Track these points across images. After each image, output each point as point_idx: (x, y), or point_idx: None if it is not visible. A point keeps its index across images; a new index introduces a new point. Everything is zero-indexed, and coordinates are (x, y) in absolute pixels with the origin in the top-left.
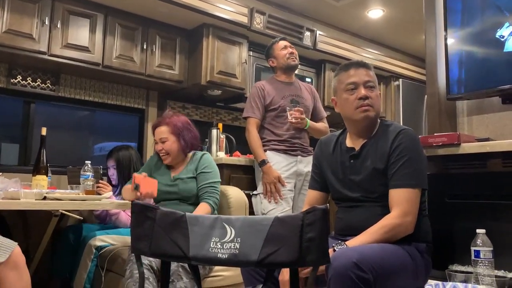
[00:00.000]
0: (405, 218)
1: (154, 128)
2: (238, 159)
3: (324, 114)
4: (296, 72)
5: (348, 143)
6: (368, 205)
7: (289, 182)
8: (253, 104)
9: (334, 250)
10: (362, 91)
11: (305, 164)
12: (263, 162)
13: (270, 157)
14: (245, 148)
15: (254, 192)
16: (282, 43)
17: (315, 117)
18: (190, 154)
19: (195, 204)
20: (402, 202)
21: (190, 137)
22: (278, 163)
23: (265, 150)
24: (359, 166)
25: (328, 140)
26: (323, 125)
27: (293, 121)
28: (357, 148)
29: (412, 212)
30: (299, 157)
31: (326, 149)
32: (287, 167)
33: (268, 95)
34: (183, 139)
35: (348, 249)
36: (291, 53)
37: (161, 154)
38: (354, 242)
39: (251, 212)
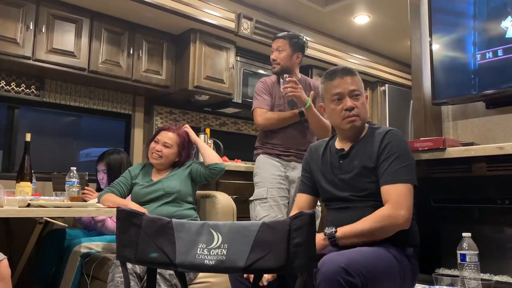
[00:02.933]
0: (398, 211)
1: (162, 130)
2: (226, 164)
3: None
4: None
5: (338, 145)
6: (357, 205)
7: (281, 188)
8: (261, 95)
9: (325, 234)
10: (348, 103)
11: (299, 171)
12: (302, 113)
13: (262, 161)
14: (232, 153)
15: (250, 198)
16: (273, 44)
17: None
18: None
19: (176, 202)
20: (394, 196)
21: (186, 156)
22: (270, 168)
23: (258, 154)
24: (348, 165)
25: (318, 145)
26: (325, 119)
27: (288, 92)
28: (346, 149)
29: (406, 206)
30: (293, 163)
31: (316, 153)
32: (280, 172)
33: (271, 90)
34: (181, 155)
35: (336, 254)
36: (273, 59)
37: (155, 154)
38: (345, 229)
39: (239, 218)
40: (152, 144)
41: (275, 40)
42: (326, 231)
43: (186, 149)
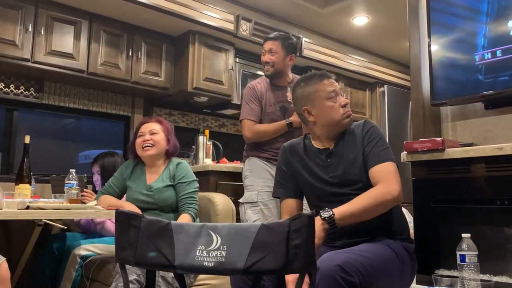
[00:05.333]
0: (391, 186)
1: (142, 123)
2: (225, 165)
3: None
4: None
5: (318, 145)
6: (352, 198)
7: (267, 191)
8: (249, 104)
9: (324, 218)
10: (343, 99)
11: None
12: (290, 124)
13: (252, 164)
14: (232, 155)
15: (240, 200)
16: (264, 46)
17: None
18: (166, 160)
19: (172, 212)
20: (384, 174)
21: (175, 143)
22: (261, 171)
23: (248, 156)
24: (339, 162)
25: (294, 144)
26: None
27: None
28: (331, 147)
29: (396, 181)
30: None
31: (295, 153)
32: (270, 176)
33: (260, 97)
34: (170, 141)
35: (334, 253)
36: (266, 62)
37: (145, 145)
38: (342, 209)
39: (238, 219)
40: (138, 139)
41: (266, 42)
42: (323, 214)
43: (171, 134)
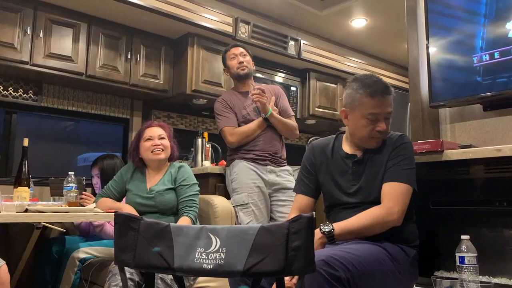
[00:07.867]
0: (393, 208)
1: (147, 127)
2: (224, 168)
3: (292, 112)
4: (281, 81)
5: (347, 150)
6: (364, 207)
7: (261, 192)
8: (223, 115)
9: (321, 230)
10: (382, 125)
11: (277, 174)
12: (266, 119)
13: (238, 166)
14: None
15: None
16: (232, 51)
17: (281, 116)
18: (167, 164)
19: (173, 214)
20: (392, 194)
21: (177, 147)
22: (248, 173)
23: (233, 159)
24: (362, 171)
25: (322, 144)
26: (290, 120)
27: (254, 98)
28: (359, 155)
29: (401, 204)
30: (269, 167)
31: (322, 153)
32: (257, 177)
33: (232, 106)
34: (174, 147)
35: (322, 250)
36: (240, 62)
37: (156, 149)
38: (341, 225)
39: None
40: (147, 143)
41: (236, 47)
42: (322, 228)
43: (173, 140)
